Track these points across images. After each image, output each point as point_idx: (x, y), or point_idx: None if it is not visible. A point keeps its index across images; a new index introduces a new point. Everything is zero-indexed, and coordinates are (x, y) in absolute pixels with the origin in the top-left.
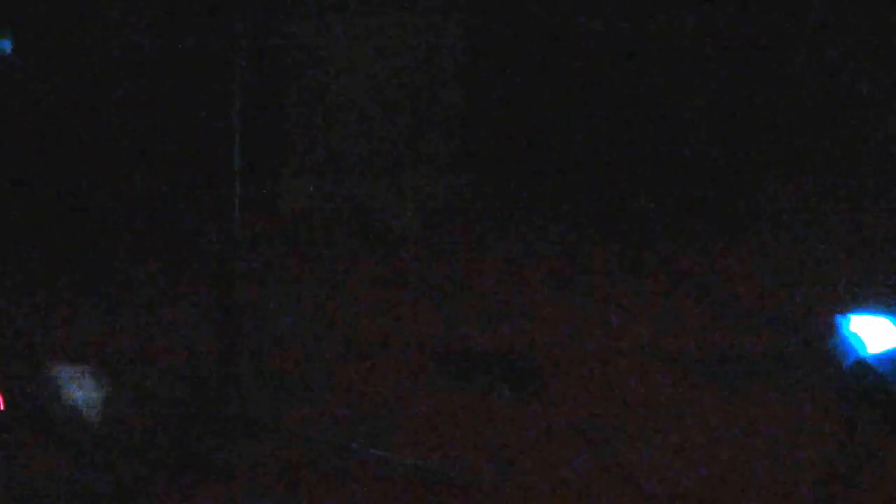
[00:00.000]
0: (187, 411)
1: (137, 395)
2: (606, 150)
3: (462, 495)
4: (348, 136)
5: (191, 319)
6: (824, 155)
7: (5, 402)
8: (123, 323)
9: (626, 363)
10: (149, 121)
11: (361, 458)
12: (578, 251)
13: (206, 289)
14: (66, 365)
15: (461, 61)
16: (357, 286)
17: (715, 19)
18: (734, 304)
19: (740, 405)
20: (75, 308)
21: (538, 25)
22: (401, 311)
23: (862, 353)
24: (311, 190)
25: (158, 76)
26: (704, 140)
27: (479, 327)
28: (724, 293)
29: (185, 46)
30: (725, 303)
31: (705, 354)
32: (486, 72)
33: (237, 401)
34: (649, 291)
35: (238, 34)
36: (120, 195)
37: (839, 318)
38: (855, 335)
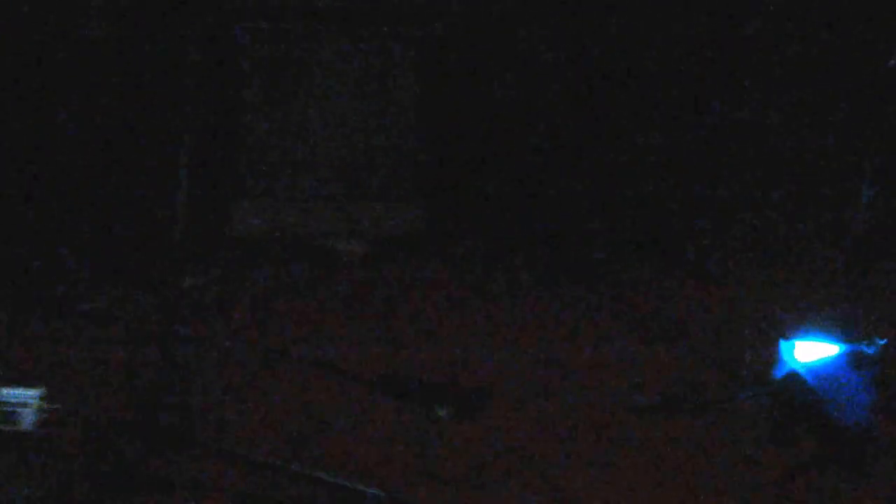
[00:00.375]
0: (128, 428)
1: (76, 410)
2: (554, 182)
3: None
4: (299, 164)
5: (133, 338)
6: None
7: None
8: (65, 339)
9: (566, 387)
10: (95, 144)
11: (301, 478)
12: (523, 282)
13: (149, 309)
14: (3, 377)
15: (413, 92)
16: (304, 309)
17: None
18: (677, 333)
19: (680, 430)
20: (16, 322)
21: (489, 57)
22: (345, 334)
23: (795, 366)
24: (260, 215)
25: (106, 104)
26: (648, 178)
27: (421, 350)
28: (667, 322)
29: (136, 70)
30: (670, 331)
31: (646, 379)
32: (437, 103)
33: (178, 419)
34: (592, 322)
35: (191, 60)
36: (66, 208)
37: (782, 343)
38: (792, 354)
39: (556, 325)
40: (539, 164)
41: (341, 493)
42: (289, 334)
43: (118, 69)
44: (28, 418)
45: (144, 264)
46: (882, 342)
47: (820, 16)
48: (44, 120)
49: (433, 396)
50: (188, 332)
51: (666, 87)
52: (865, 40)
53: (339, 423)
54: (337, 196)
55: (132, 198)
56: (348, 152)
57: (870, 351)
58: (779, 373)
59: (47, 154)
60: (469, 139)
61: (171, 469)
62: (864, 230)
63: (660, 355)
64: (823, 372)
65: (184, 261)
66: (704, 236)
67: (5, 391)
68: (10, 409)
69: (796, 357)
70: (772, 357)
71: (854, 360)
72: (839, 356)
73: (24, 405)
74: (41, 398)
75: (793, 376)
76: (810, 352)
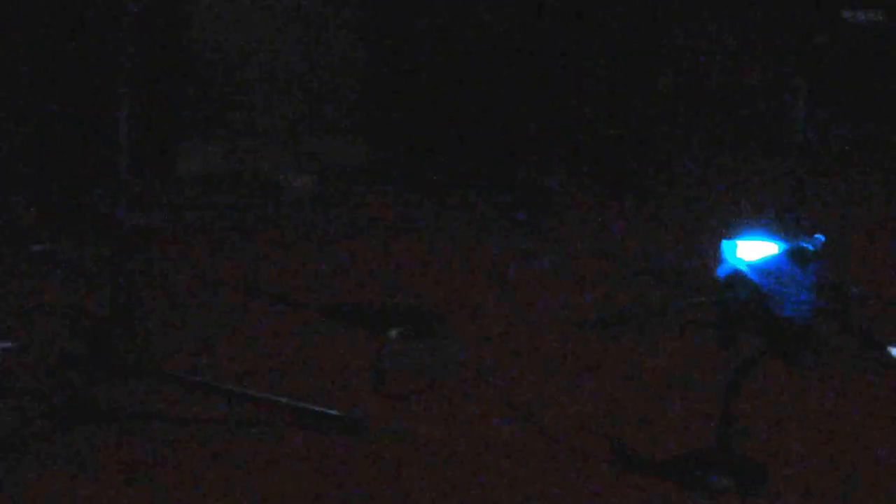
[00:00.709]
0: (77, 360)
1: (28, 347)
2: (499, 114)
3: (355, 437)
4: (248, 103)
5: (84, 276)
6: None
7: None
8: (16, 280)
9: (517, 308)
10: (37, 86)
11: (255, 403)
12: (472, 210)
13: (98, 245)
14: None
15: (356, 29)
16: (254, 241)
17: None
18: (622, 249)
19: (632, 348)
20: None
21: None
22: (295, 265)
23: (738, 266)
24: (207, 152)
25: (47, 37)
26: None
27: (374, 280)
28: (613, 240)
29: (73, 8)
30: (614, 248)
31: (594, 296)
32: (382, 45)
33: (130, 350)
34: (542, 249)
35: None
36: (12, 148)
37: (724, 243)
38: (734, 253)
39: (503, 250)
40: (480, 101)
41: (298, 414)
42: (238, 266)
43: (59, 6)
44: None
45: (91, 205)
46: (822, 238)
47: None
48: None
49: (385, 320)
50: (137, 267)
51: (601, 19)
52: None
53: (291, 350)
54: (283, 133)
55: (78, 140)
56: (296, 91)
57: (810, 247)
58: (722, 272)
59: None
60: (412, 77)
61: (123, 399)
62: (800, 142)
63: (606, 272)
64: (766, 269)
65: (130, 200)
66: (646, 156)
67: None
68: None
69: (739, 256)
70: (715, 258)
71: (795, 257)
72: (781, 254)
73: None
74: None
75: (736, 274)
76: (753, 250)
